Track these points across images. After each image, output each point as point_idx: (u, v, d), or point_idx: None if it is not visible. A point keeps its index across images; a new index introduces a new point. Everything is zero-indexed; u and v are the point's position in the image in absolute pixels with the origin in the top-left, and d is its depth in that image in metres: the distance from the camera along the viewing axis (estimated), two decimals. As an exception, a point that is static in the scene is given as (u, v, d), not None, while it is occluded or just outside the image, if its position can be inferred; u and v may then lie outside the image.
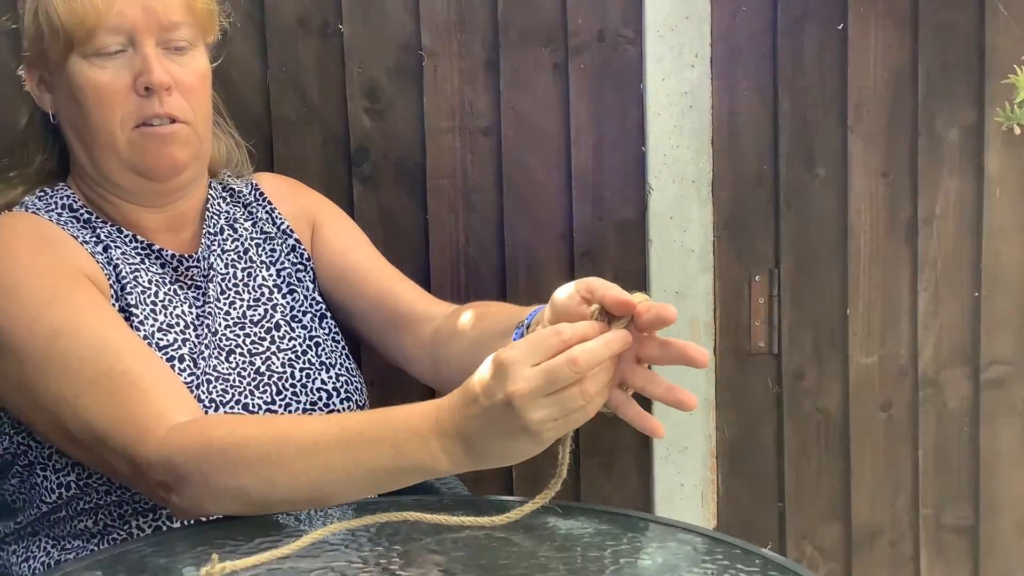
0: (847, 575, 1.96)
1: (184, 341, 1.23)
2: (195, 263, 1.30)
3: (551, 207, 1.79)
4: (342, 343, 1.36)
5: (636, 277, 1.83)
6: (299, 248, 1.38)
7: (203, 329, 1.26)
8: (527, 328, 1.11)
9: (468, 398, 0.93)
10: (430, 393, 1.54)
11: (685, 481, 1.87)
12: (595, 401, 0.92)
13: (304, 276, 1.37)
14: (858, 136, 1.86)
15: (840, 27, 1.83)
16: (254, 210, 1.38)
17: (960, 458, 1.97)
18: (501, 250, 1.78)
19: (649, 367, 0.99)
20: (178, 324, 1.24)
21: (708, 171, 1.82)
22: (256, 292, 1.32)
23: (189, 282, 1.29)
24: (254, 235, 1.36)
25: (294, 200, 1.42)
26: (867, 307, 1.90)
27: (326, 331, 1.35)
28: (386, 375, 1.74)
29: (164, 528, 1.18)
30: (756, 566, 0.91)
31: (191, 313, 1.26)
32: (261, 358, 1.27)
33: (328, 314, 1.36)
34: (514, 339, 1.12)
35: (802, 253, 1.87)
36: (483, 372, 0.93)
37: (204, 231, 1.32)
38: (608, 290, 0.97)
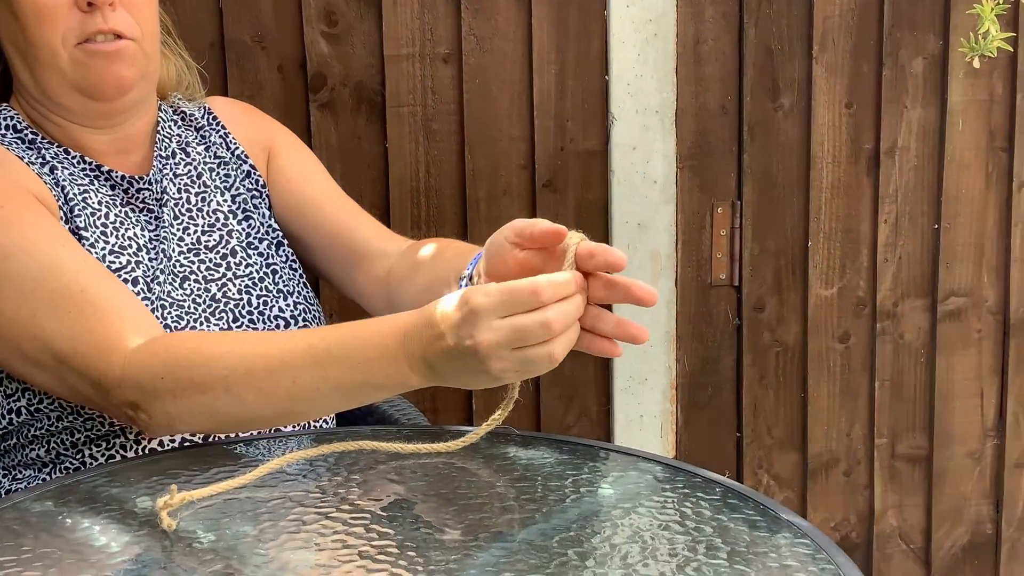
0: (802, 503, 1.99)
1: (137, 264, 1.21)
2: (147, 186, 1.27)
3: (512, 136, 1.77)
4: (300, 271, 1.35)
5: (597, 208, 1.82)
6: (254, 174, 1.36)
7: (157, 253, 1.24)
8: (469, 279, 1.09)
9: (434, 332, 0.92)
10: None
11: (645, 412, 1.88)
12: (559, 357, 0.91)
13: (260, 203, 1.35)
14: (823, 66, 1.84)
15: (807, -46, 1.80)
16: (207, 134, 1.35)
17: (916, 389, 1.99)
18: (461, 180, 1.76)
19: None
20: (130, 247, 1.22)
21: (672, 101, 1.80)
22: (211, 218, 1.30)
23: (141, 205, 1.27)
24: (207, 160, 1.34)
25: (249, 125, 1.39)
26: (827, 239, 1.91)
27: (283, 259, 1.33)
28: (345, 306, 1.72)
29: (118, 457, 1.17)
30: (716, 494, 0.91)
31: (143, 236, 1.24)
32: (217, 284, 1.26)
33: (285, 242, 1.35)
34: (464, 274, 1.11)
35: (764, 184, 1.87)
36: (449, 310, 0.91)
37: (156, 154, 1.29)
38: (533, 225, 0.96)
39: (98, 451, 1.18)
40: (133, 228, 1.24)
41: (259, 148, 1.38)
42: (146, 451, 1.16)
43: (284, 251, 1.34)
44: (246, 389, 1.00)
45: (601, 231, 1.82)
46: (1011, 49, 1.35)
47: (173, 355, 1.03)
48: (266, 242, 1.32)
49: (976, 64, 1.75)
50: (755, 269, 1.90)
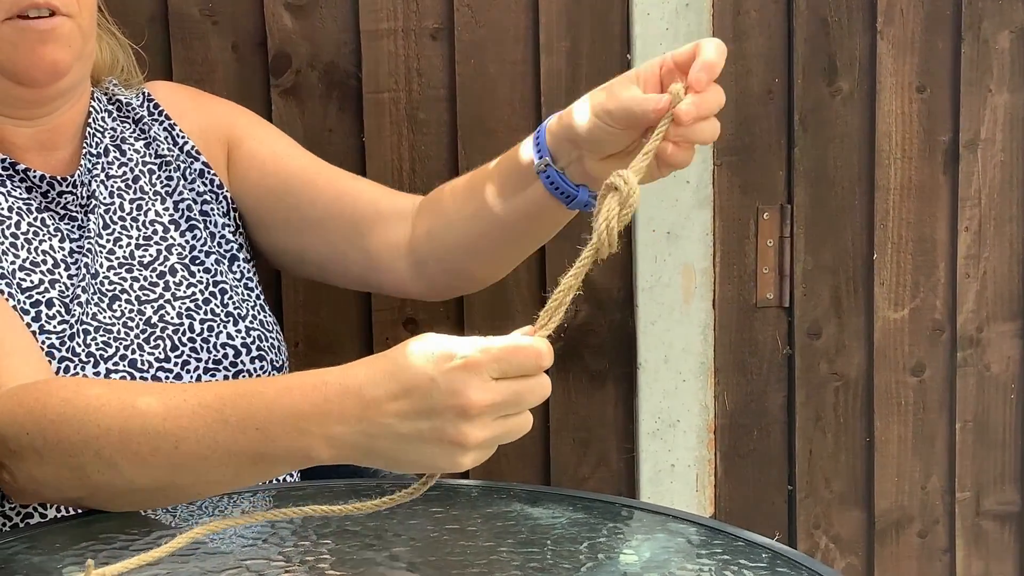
0: (868, 570, 1.99)
1: (53, 283, 1.21)
2: (70, 188, 1.28)
3: (515, 127, 1.77)
4: (257, 291, 1.35)
5: (619, 213, 1.82)
6: (208, 173, 1.37)
7: (79, 269, 1.25)
8: (551, 163, 1.18)
9: (399, 387, 0.92)
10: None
11: (677, 460, 1.89)
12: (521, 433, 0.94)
13: (213, 208, 1.35)
14: (889, 42, 1.85)
15: (869, -93, 1.82)
16: (148, 127, 1.36)
17: (1004, 432, 2.00)
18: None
19: None
20: (45, 262, 1.22)
21: (707, 84, 1.81)
22: (147, 229, 1.31)
23: (61, 211, 1.27)
24: (147, 159, 1.35)
25: (200, 113, 1.40)
26: (896, 250, 1.91)
27: (236, 276, 1.34)
28: (314, 335, 1.73)
29: (36, 516, 1.17)
30: (763, 561, 0.92)
31: (62, 249, 1.25)
32: (152, 306, 1.26)
33: (240, 255, 1.35)
34: (539, 160, 1.19)
35: (820, 185, 1.88)
36: (422, 362, 0.91)
37: (85, 151, 1.30)
38: (633, 115, 1.10)
39: (11, 508, 1.18)
40: (50, 239, 1.25)
41: (215, 140, 1.40)
42: (73, 509, 1.16)
43: (238, 266, 1.35)
44: (120, 454, 1.00)
45: (623, 241, 1.82)
46: (1116, 21, 1.37)
47: (43, 407, 1.03)
48: (214, 256, 1.33)
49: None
50: (809, 287, 1.90)
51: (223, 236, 1.35)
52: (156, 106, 1.39)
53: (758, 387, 1.92)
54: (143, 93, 1.39)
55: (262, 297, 1.37)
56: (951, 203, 1.92)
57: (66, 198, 1.28)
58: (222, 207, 1.37)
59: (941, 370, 1.96)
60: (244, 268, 1.35)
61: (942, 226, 1.92)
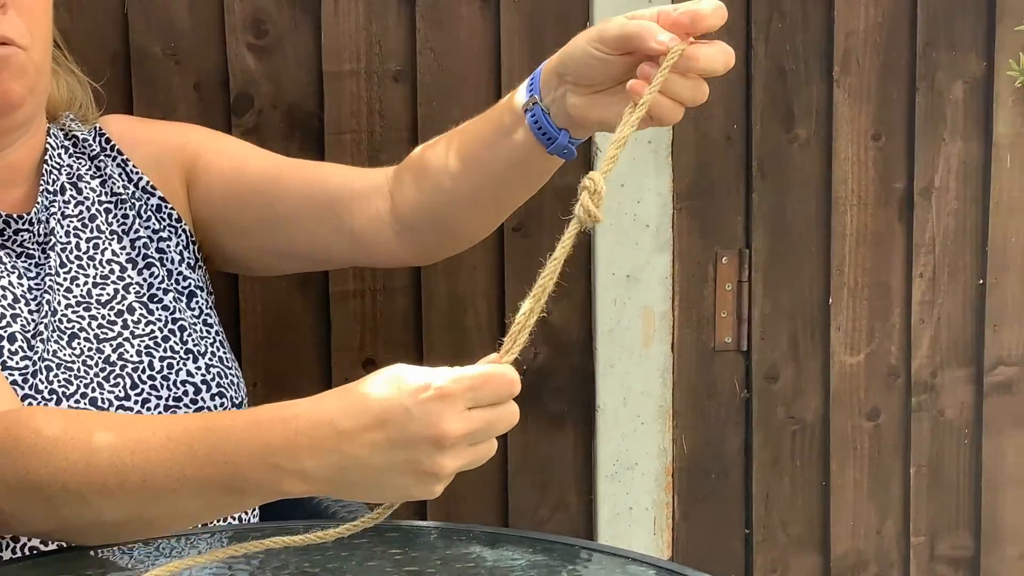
0: (825, 615, 1.98)
1: (15, 317, 1.20)
2: (27, 226, 1.27)
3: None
4: (216, 327, 1.34)
5: (578, 256, 1.83)
6: (165, 208, 1.36)
7: (39, 305, 1.23)
8: (537, 104, 1.17)
9: (373, 418, 0.92)
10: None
11: (635, 503, 1.88)
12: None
13: (170, 244, 1.35)
14: (845, 91, 1.88)
15: (826, -42, 1.84)
16: (103, 164, 1.36)
17: (959, 477, 2.01)
18: (415, 221, 1.76)
19: None
20: (6, 297, 1.21)
21: (667, 130, 1.82)
22: (104, 268, 1.30)
23: (19, 249, 1.26)
24: (103, 197, 1.34)
25: (151, 144, 1.40)
26: (853, 296, 1.93)
27: (195, 312, 1.33)
28: (272, 375, 1.72)
29: (7, 552, 1.15)
30: (722, 604, 0.91)
31: (21, 285, 1.24)
32: (111, 345, 1.25)
33: (199, 291, 1.34)
34: (537, 130, 1.18)
35: (777, 230, 1.89)
36: (394, 394, 0.92)
37: (42, 188, 1.29)
38: (628, 39, 1.08)
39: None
40: (8, 276, 1.24)
41: (170, 166, 1.39)
42: (27, 550, 1.15)
43: (197, 302, 1.34)
44: (88, 487, 0.99)
45: (583, 283, 1.83)
46: (1067, 73, 1.39)
47: (13, 438, 1.02)
48: (172, 293, 1.32)
49: (1034, 87, 1.79)
50: (767, 331, 1.91)
51: (180, 272, 1.34)
52: (108, 141, 1.38)
53: (716, 430, 1.92)
54: (95, 128, 1.39)
55: (221, 333, 1.36)
56: (906, 250, 1.93)
57: (23, 236, 1.27)
58: (181, 241, 1.36)
59: (896, 415, 1.97)
60: (203, 304, 1.35)
61: (897, 272, 1.94)
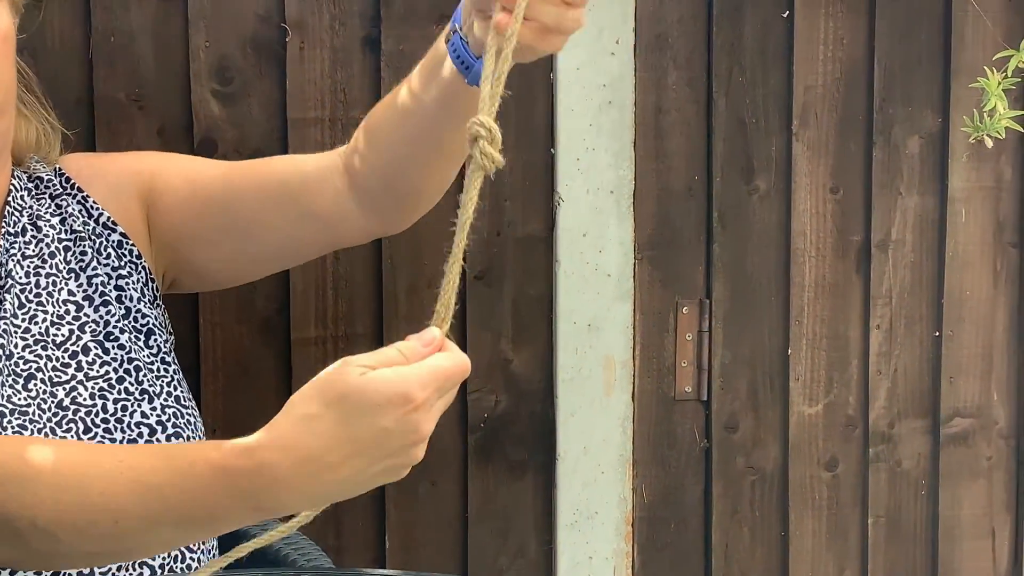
0: (783, 666, 1.98)
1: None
2: (-11, 268, 1.25)
3: (439, 219, 1.76)
4: (173, 366, 1.33)
5: (540, 305, 1.83)
6: (127, 244, 1.35)
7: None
8: (462, 41, 1.15)
9: (354, 448, 0.94)
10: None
11: (595, 552, 1.87)
12: None
13: (129, 282, 1.34)
14: (804, 144, 1.89)
15: (785, 15, 1.86)
16: (63, 203, 1.35)
17: (916, 527, 2.01)
18: (377, 268, 1.76)
19: None
20: None
21: (629, 180, 1.83)
22: (60, 308, 1.29)
23: None
24: (62, 236, 1.33)
25: (106, 175, 1.39)
26: (811, 346, 1.94)
27: (153, 351, 1.32)
28: (233, 419, 1.70)
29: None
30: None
31: (-19, 330, 1.22)
32: (64, 388, 1.24)
33: (157, 329, 1.33)
34: (456, 59, 1.16)
35: (737, 281, 1.90)
36: (377, 415, 0.93)
37: (3, 230, 1.28)
38: None
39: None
40: None
41: (127, 196, 1.38)
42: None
43: (155, 341, 1.33)
44: (56, 524, 0.99)
45: (543, 332, 1.83)
46: (1021, 129, 1.40)
47: None
48: (129, 333, 1.31)
49: (988, 143, 1.81)
50: (727, 381, 1.91)
51: (139, 311, 1.33)
52: (68, 179, 1.37)
53: (676, 480, 1.91)
54: (55, 169, 1.38)
55: (179, 372, 1.35)
56: (863, 301, 1.95)
57: None
58: (141, 278, 1.35)
59: (854, 465, 1.97)
60: (160, 342, 1.34)
61: (855, 324, 1.95)
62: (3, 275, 1.26)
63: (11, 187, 1.31)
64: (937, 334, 1.97)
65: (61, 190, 1.36)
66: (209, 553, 1.32)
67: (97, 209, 1.36)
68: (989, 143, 1.76)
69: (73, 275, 1.32)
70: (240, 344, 1.73)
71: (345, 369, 0.95)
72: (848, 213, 1.93)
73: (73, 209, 1.35)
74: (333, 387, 0.95)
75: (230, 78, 1.69)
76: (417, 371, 0.94)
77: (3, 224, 1.29)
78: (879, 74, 1.90)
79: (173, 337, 1.41)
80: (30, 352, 1.25)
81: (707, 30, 1.84)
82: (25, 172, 1.35)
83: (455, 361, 0.96)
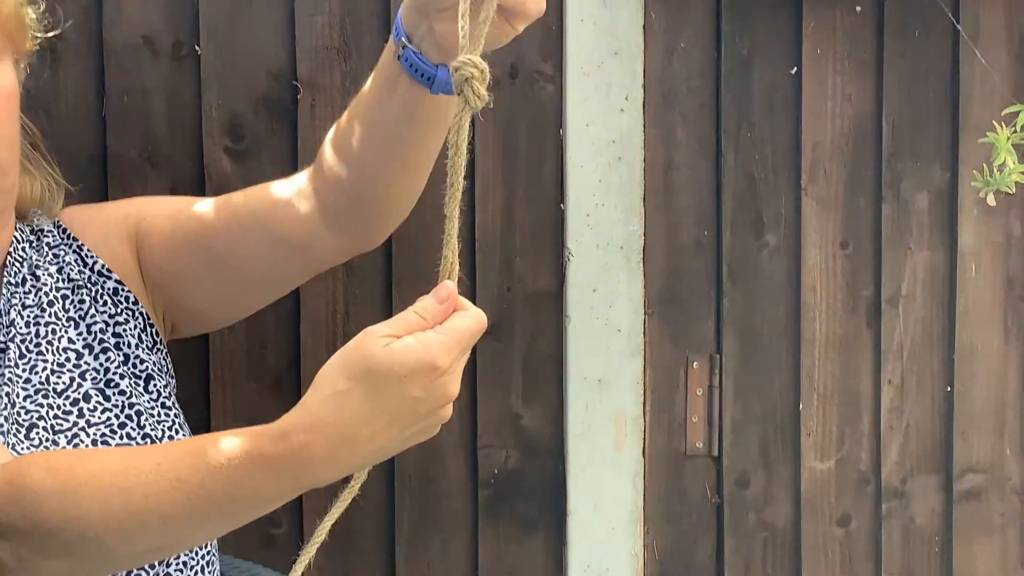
0: None
1: (-23, 413, 1.19)
2: (-8, 319, 1.26)
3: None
4: (174, 410, 1.34)
5: (550, 361, 1.82)
6: (122, 291, 1.35)
7: (3, 400, 1.22)
8: (414, 50, 1.16)
9: (387, 418, 0.97)
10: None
11: (606, 611, 1.85)
12: None
13: (127, 329, 1.34)
14: (813, 199, 1.89)
15: (793, 71, 1.87)
16: (60, 252, 1.36)
17: (930, 584, 1.99)
18: (388, 325, 1.75)
19: None
20: None
21: (639, 235, 1.83)
22: (60, 356, 1.29)
23: None
24: (60, 285, 1.34)
25: (97, 222, 1.40)
26: (822, 402, 1.92)
27: (153, 396, 1.32)
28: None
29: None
30: None
31: (-13, 381, 1.22)
32: (66, 436, 1.24)
33: (157, 374, 1.33)
34: (414, 72, 1.17)
35: (747, 336, 1.89)
36: (407, 383, 0.96)
37: (5, 280, 1.28)
38: None
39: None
40: None
41: (117, 240, 1.38)
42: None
43: (155, 386, 1.33)
44: (106, 533, 1.01)
45: (554, 387, 1.82)
46: (1031, 184, 1.40)
47: (18, 488, 1.03)
48: (129, 379, 1.32)
49: (991, 201, 1.81)
50: (738, 437, 1.90)
51: (138, 356, 1.34)
52: (64, 231, 1.38)
53: (688, 536, 1.90)
54: (56, 221, 1.39)
55: (180, 416, 1.35)
56: (874, 356, 1.94)
57: None
58: (139, 323, 1.36)
59: (867, 522, 1.96)
60: (160, 387, 1.34)
61: (866, 379, 1.94)
62: (6, 324, 1.27)
63: (13, 239, 1.32)
64: (949, 389, 1.96)
65: (59, 240, 1.37)
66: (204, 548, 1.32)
67: (91, 257, 1.36)
68: (992, 200, 1.77)
69: (72, 323, 1.32)
70: (251, 400, 1.73)
71: (368, 340, 0.97)
72: (858, 268, 1.92)
73: (70, 258, 1.36)
74: (359, 361, 0.97)
75: (242, 135, 1.70)
76: (439, 337, 0.97)
77: (5, 275, 1.30)
78: (887, 130, 1.90)
79: (174, 381, 1.41)
80: (31, 402, 1.25)
81: (715, 87, 1.85)
82: (28, 225, 1.36)
83: (474, 319, 0.99)
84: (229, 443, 1.00)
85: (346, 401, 0.96)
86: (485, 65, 1.00)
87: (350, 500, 1.05)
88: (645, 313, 1.85)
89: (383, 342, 0.96)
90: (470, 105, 1.00)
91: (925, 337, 1.95)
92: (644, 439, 1.86)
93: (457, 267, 1.02)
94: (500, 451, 1.83)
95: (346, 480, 1.05)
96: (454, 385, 0.98)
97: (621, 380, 1.84)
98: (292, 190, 1.36)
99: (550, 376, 1.83)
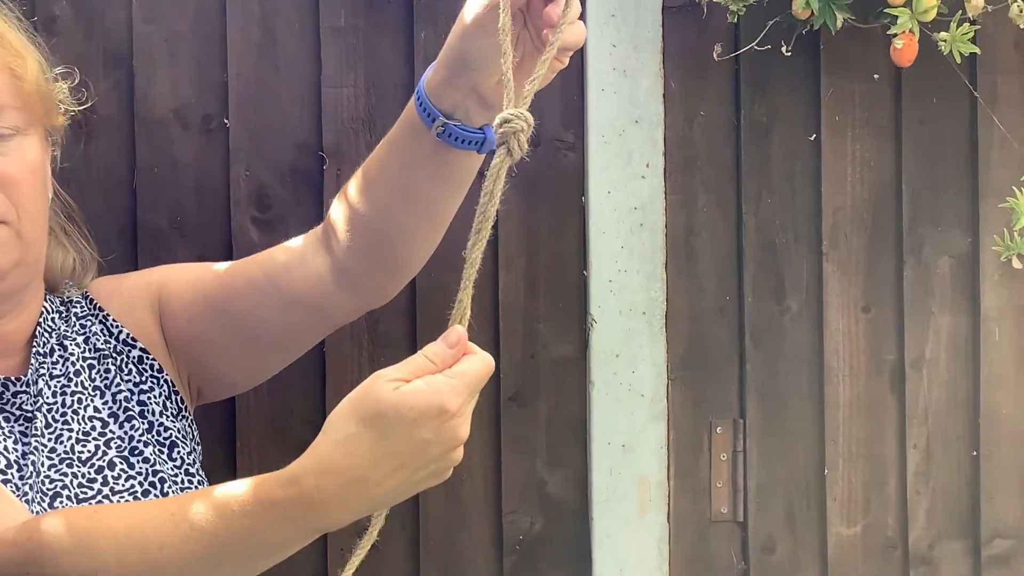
0: None
1: (5, 482, 1.20)
2: (24, 388, 1.27)
3: (473, 340, 1.78)
4: (198, 477, 1.34)
5: (574, 426, 1.82)
6: (147, 359, 1.37)
7: (29, 468, 1.23)
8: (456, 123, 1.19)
9: (397, 462, 0.97)
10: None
11: None
12: None
13: (152, 396, 1.35)
14: (834, 264, 1.90)
15: (812, 137, 1.88)
16: (87, 323, 1.37)
17: (961, 651, 1.96)
18: (412, 391, 1.76)
19: None
20: None
21: (661, 301, 1.84)
22: (86, 425, 1.30)
23: (17, 412, 1.27)
24: (86, 354, 1.35)
25: (121, 292, 1.42)
26: (848, 466, 1.91)
27: (176, 463, 1.33)
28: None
29: None
30: None
31: (16, 450, 1.24)
32: (90, 504, 1.24)
33: (181, 441, 1.35)
34: (432, 124, 1.20)
35: (771, 401, 1.89)
36: (417, 427, 0.96)
37: (34, 350, 1.30)
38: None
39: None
40: (3, 441, 1.24)
41: (141, 308, 1.40)
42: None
43: (179, 453, 1.34)
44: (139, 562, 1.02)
45: (578, 452, 1.82)
46: (1051, 247, 1.41)
47: (37, 545, 1.04)
48: (153, 446, 1.32)
49: (1016, 264, 1.81)
50: (763, 502, 1.89)
51: (162, 424, 1.35)
52: (91, 301, 1.40)
53: (713, 603, 1.88)
54: (85, 293, 1.41)
55: (205, 482, 1.36)
56: (899, 421, 1.93)
57: (20, 398, 1.28)
58: (164, 391, 1.37)
59: (895, 587, 1.94)
60: (184, 454, 1.35)
61: (891, 443, 1.93)
62: (33, 393, 1.28)
63: (44, 309, 1.34)
64: (975, 453, 1.95)
65: (86, 311, 1.39)
66: None
67: (116, 326, 1.38)
68: (1018, 263, 1.77)
69: (98, 392, 1.34)
70: (277, 467, 1.73)
71: (378, 384, 0.98)
72: (881, 332, 1.92)
73: (96, 328, 1.37)
74: (368, 405, 0.97)
75: (268, 205, 1.72)
76: (449, 381, 0.98)
77: (34, 345, 1.31)
78: (907, 195, 1.91)
79: (200, 448, 1.42)
80: (56, 471, 1.26)
81: (735, 153, 1.87)
82: (58, 297, 1.38)
83: (482, 362, 1.01)
84: (241, 490, 1.01)
85: (356, 445, 0.97)
86: (531, 118, 1.03)
87: (369, 547, 1.06)
88: (668, 378, 1.85)
89: (393, 386, 0.97)
90: (512, 156, 1.02)
91: (950, 401, 1.94)
92: (669, 504, 1.85)
93: (469, 312, 1.03)
94: (525, 517, 1.82)
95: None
96: (464, 428, 0.99)
97: (645, 445, 1.83)
98: (305, 248, 1.39)
99: (574, 441, 1.83)
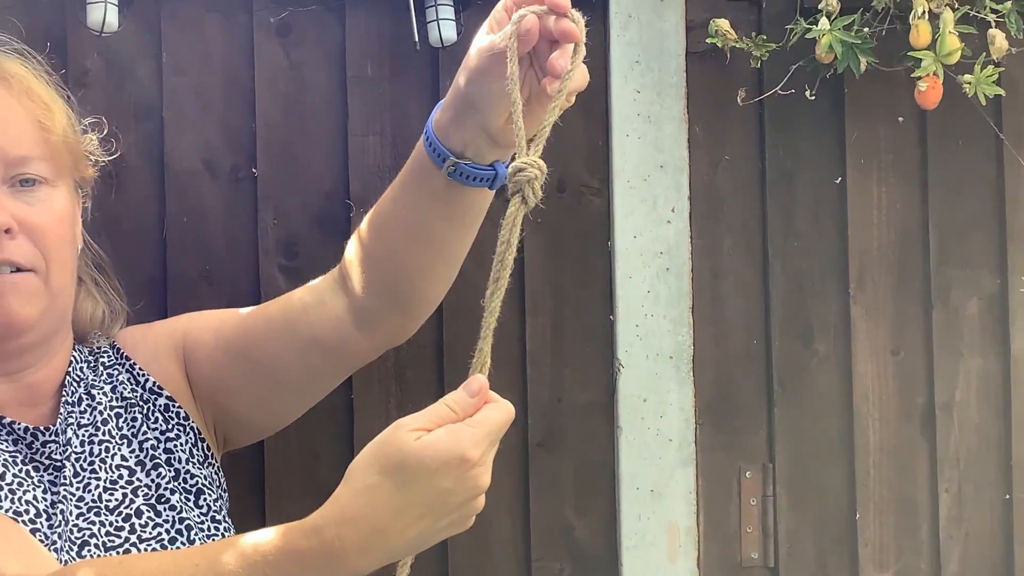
0: None
1: (34, 532, 1.20)
2: (53, 437, 1.28)
3: (500, 387, 1.77)
4: (224, 523, 1.34)
5: (602, 471, 1.81)
6: (173, 407, 1.37)
7: (58, 517, 1.24)
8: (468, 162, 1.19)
9: (419, 512, 0.98)
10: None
11: None
12: None
13: (178, 444, 1.36)
14: (862, 307, 1.89)
15: (838, 180, 1.88)
16: (115, 372, 1.38)
17: None
18: (440, 437, 1.76)
19: None
20: (28, 512, 1.22)
21: (688, 345, 1.84)
22: (113, 473, 1.31)
23: (47, 461, 1.27)
24: (113, 403, 1.36)
25: (149, 342, 1.42)
26: (879, 510, 1.90)
27: (203, 510, 1.33)
28: None
29: None
30: None
31: (45, 500, 1.24)
32: (118, 552, 1.24)
33: (208, 488, 1.35)
34: (443, 163, 1.21)
35: (800, 445, 1.88)
36: (438, 477, 0.97)
37: (63, 399, 1.31)
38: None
39: None
40: (34, 490, 1.24)
41: (166, 356, 1.41)
42: None
43: (205, 500, 1.34)
44: None
45: (606, 497, 1.81)
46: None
47: None
48: (179, 494, 1.33)
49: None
50: (794, 547, 1.88)
51: (188, 471, 1.35)
52: (118, 350, 1.41)
53: (745, 650, 1.86)
54: (113, 343, 1.42)
55: (231, 529, 1.36)
56: (930, 465, 1.91)
57: (50, 447, 1.28)
58: (190, 439, 1.37)
59: (929, 633, 1.91)
60: (210, 501, 1.35)
61: (923, 487, 1.91)
62: (62, 443, 1.29)
63: (72, 359, 1.35)
64: (1007, 497, 1.93)
65: (113, 360, 1.40)
66: None
67: (143, 375, 1.39)
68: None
69: (125, 441, 1.34)
70: (306, 514, 1.73)
71: (399, 435, 0.98)
72: (910, 375, 1.91)
73: (123, 377, 1.38)
74: (390, 455, 0.97)
75: (296, 252, 1.73)
76: (470, 430, 0.98)
77: (63, 395, 1.32)
78: (934, 237, 1.90)
79: (226, 495, 1.42)
80: (84, 520, 1.26)
81: (761, 197, 1.87)
82: (87, 347, 1.39)
83: (503, 411, 1.02)
84: (264, 539, 1.01)
85: (378, 494, 0.97)
86: (544, 165, 1.04)
87: None
88: (696, 423, 1.84)
89: (414, 435, 0.98)
90: (527, 204, 1.03)
91: (981, 444, 1.93)
92: (698, 550, 1.84)
93: (489, 361, 1.04)
94: (554, 563, 1.81)
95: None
96: (485, 477, 0.99)
97: (673, 490, 1.82)
98: (321, 292, 1.39)
99: (602, 487, 1.82)
